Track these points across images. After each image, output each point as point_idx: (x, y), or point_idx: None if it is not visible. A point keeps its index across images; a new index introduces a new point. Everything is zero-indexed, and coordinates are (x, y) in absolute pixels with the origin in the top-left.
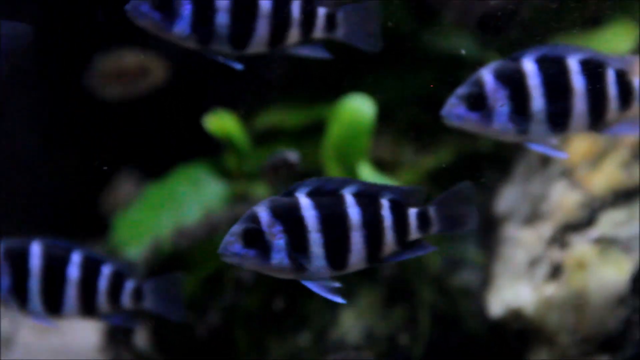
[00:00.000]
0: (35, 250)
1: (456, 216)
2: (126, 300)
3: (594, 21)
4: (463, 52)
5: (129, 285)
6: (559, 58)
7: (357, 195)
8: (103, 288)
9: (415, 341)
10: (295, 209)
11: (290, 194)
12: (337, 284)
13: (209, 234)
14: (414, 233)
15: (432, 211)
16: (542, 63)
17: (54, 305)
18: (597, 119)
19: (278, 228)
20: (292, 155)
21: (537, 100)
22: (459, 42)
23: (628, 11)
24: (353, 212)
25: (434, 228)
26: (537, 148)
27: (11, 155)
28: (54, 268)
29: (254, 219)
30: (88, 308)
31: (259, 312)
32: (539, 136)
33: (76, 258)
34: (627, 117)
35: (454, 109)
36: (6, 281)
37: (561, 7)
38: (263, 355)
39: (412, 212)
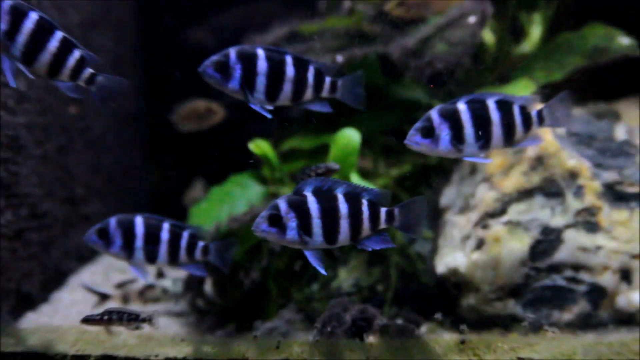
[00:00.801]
0: (139, 220)
1: (412, 220)
2: (198, 254)
3: (504, 79)
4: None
5: (200, 244)
6: (481, 100)
7: (345, 195)
8: (184, 246)
9: (388, 289)
10: (303, 202)
11: (299, 191)
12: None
13: (252, 220)
14: (382, 225)
15: (396, 211)
16: (470, 104)
17: (151, 257)
18: (509, 139)
19: (292, 215)
20: (334, 165)
21: (468, 129)
22: (415, 92)
23: (527, 72)
24: (342, 207)
25: (396, 224)
26: (470, 159)
27: (124, 168)
28: (152, 232)
29: (276, 207)
30: (173, 259)
31: (285, 271)
32: (470, 153)
33: (166, 226)
34: (529, 136)
35: (413, 138)
36: (119, 241)
37: (483, 70)
38: (287, 299)
39: (383, 210)
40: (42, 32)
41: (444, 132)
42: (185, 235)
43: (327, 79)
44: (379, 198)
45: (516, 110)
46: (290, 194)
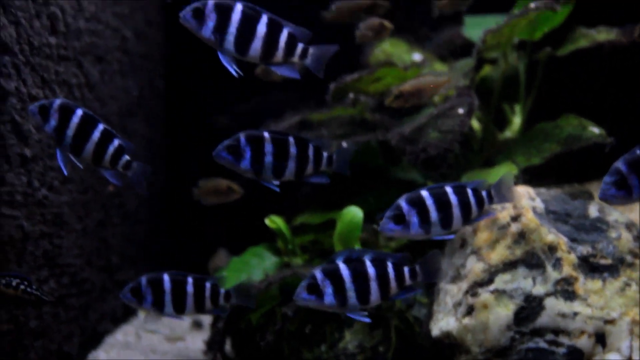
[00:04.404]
0: (166, 277)
1: (431, 271)
2: (220, 299)
3: (489, 163)
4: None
5: (222, 291)
6: (442, 187)
7: (372, 260)
8: (207, 295)
9: (388, 350)
10: (336, 270)
11: (332, 261)
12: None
13: (267, 287)
14: (408, 282)
15: (417, 268)
16: (432, 191)
17: (180, 308)
18: (466, 218)
19: (327, 282)
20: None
21: (433, 213)
22: (412, 174)
23: (509, 157)
24: (371, 270)
25: (419, 278)
26: (437, 238)
27: (155, 238)
28: (178, 286)
29: (313, 277)
30: (199, 308)
31: (297, 333)
32: (436, 234)
33: (190, 280)
34: (482, 213)
35: (386, 226)
36: (150, 298)
37: (471, 154)
38: (299, 359)
39: (406, 269)
40: (87, 125)
41: (413, 218)
42: (208, 285)
43: (324, 154)
44: (402, 260)
45: (470, 193)
46: (324, 264)
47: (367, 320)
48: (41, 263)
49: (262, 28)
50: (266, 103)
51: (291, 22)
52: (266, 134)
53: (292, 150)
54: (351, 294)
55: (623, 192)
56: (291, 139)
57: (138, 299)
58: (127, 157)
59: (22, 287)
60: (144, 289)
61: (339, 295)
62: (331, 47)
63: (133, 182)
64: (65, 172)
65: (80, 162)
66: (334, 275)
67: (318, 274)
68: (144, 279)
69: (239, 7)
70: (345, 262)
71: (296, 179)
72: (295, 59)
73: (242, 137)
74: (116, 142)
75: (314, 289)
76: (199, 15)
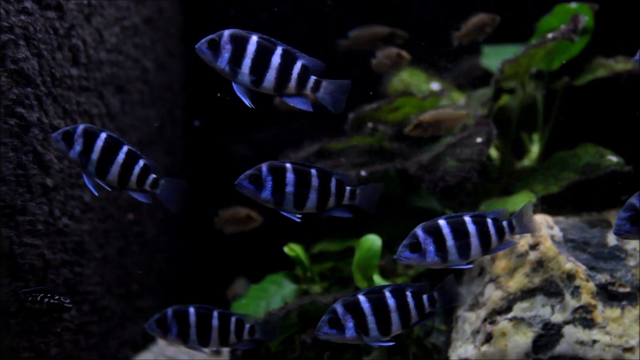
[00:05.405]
0: (192, 310)
1: (449, 296)
2: (245, 334)
3: (507, 191)
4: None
5: (247, 326)
6: (460, 216)
7: (392, 291)
8: (232, 329)
9: None
10: (357, 303)
11: (354, 295)
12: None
13: (286, 315)
14: (427, 309)
15: (436, 295)
16: (449, 220)
17: (204, 341)
18: (486, 247)
19: (348, 316)
20: None
21: (449, 241)
22: (430, 202)
23: (528, 185)
24: (391, 302)
25: (438, 304)
26: (455, 267)
27: (174, 266)
28: (203, 320)
29: (334, 311)
30: (225, 341)
31: None
32: (453, 263)
33: (215, 314)
34: (503, 242)
35: (402, 254)
36: (175, 330)
37: (489, 183)
38: None
39: (425, 297)
40: (111, 147)
41: (429, 247)
42: (233, 320)
43: (347, 188)
44: (421, 288)
45: (490, 223)
46: (346, 297)
47: (391, 344)
48: (62, 291)
49: (276, 60)
50: (285, 132)
51: (308, 51)
52: (288, 165)
53: (314, 182)
54: (372, 326)
55: (637, 228)
56: (313, 171)
57: (163, 330)
58: (153, 176)
59: (46, 300)
60: (170, 321)
61: (360, 328)
62: (345, 82)
63: (163, 200)
64: (96, 193)
65: (106, 184)
66: (354, 309)
67: (339, 308)
68: (170, 311)
69: (254, 39)
70: (366, 294)
71: (317, 211)
72: (308, 91)
73: (264, 167)
74: (141, 162)
75: (336, 323)
76: (214, 46)
